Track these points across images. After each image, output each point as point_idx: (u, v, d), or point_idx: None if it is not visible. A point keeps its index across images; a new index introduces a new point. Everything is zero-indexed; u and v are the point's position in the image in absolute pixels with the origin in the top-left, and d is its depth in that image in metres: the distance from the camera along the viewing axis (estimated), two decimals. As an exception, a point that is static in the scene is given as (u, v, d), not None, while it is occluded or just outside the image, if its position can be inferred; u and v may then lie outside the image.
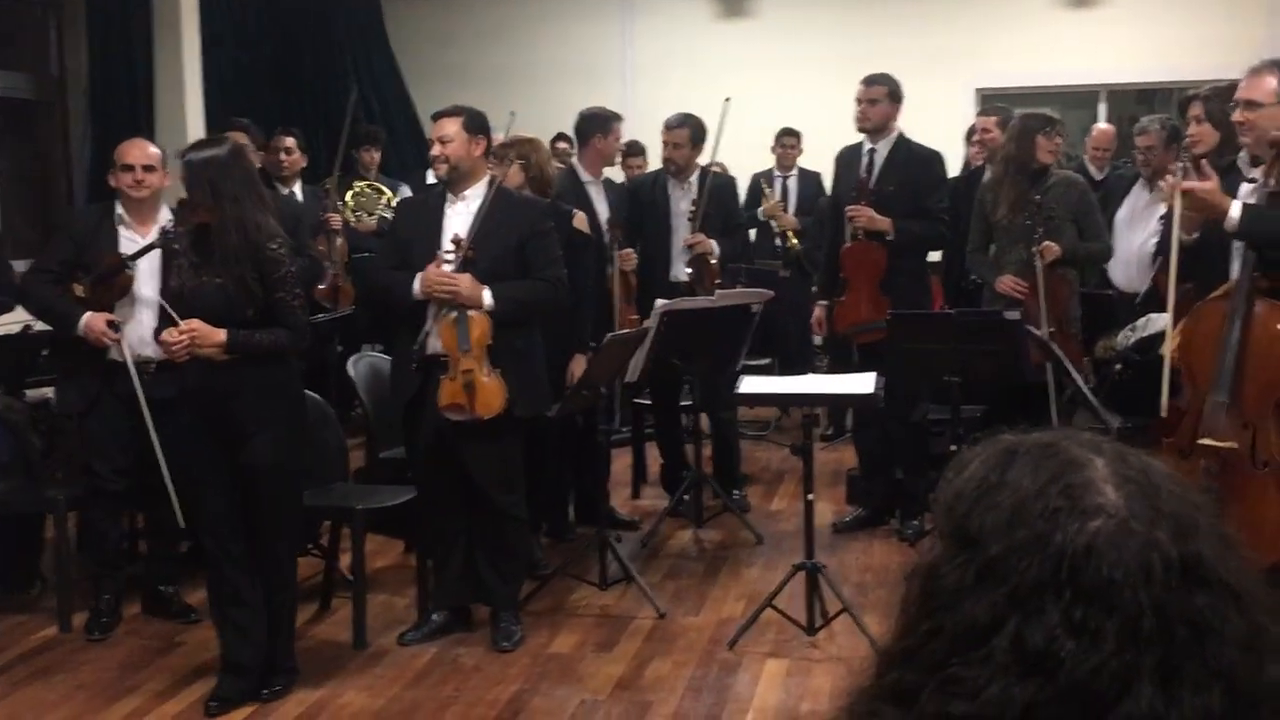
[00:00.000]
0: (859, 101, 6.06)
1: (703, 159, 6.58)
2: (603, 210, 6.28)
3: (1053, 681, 0.99)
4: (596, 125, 6.34)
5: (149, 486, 4.94)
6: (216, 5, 8.36)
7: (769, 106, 9.17)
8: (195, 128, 7.52)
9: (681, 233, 6.46)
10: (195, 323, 4.09)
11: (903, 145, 6.09)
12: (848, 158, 6.21)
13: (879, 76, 6.09)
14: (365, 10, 10.34)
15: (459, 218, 4.81)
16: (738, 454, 6.85)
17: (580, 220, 5.79)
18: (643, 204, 6.56)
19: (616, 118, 6.45)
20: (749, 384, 5.07)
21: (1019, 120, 6.08)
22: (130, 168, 5.02)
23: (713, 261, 6.40)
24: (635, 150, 9.10)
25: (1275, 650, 1.03)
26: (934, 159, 6.16)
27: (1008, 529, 1.05)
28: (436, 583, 4.96)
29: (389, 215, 7.01)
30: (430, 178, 6.58)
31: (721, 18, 10.64)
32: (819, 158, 8.62)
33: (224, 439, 4.19)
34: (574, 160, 6.48)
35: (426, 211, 4.91)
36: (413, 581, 5.19)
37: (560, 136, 8.44)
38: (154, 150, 5.15)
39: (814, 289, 8.15)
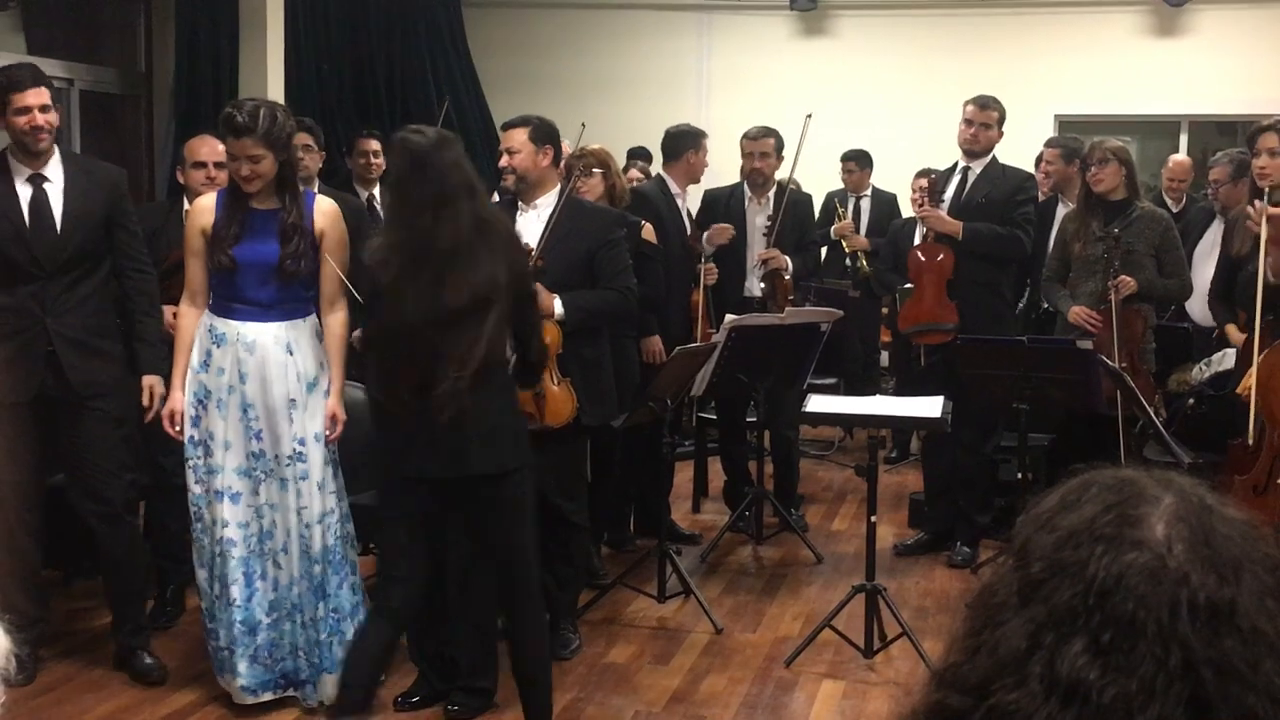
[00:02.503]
0: (970, 123, 6.00)
1: (780, 173, 6.59)
2: (689, 225, 6.36)
3: (1087, 708, 1.00)
4: (689, 141, 6.41)
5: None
6: (300, 8, 8.47)
7: (844, 126, 9.14)
8: (275, 128, 7.63)
9: (757, 248, 6.47)
10: None
11: (996, 165, 6.08)
12: (944, 180, 6.15)
13: (991, 100, 6.03)
14: (447, 18, 10.43)
15: (529, 227, 4.82)
16: (797, 473, 6.83)
17: (649, 231, 5.81)
18: (718, 218, 6.57)
19: (704, 134, 6.52)
20: (816, 403, 5.05)
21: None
22: (203, 164, 5.09)
23: (786, 277, 6.41)
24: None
25: None
26: (1027, 179, 6.19)
27: (1055, 550, 1.08)
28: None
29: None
30: None
31: (800, 35, 10.63)
32: (894, 178, 8.60)
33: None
34: (663, 173, 6.52)
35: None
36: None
37: (637, 152, 8.46)
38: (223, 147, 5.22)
39: (884, 310, 8.15)
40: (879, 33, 10.43)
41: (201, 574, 4.26)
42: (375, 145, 6.86)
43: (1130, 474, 1.13)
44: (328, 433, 4.20)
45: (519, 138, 4.77)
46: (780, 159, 6.56)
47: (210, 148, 5.14)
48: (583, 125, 5.47)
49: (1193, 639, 1.00)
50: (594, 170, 5.52)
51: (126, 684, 4.49)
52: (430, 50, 10.11)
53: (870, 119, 9.58)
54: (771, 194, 6.54)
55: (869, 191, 8.89)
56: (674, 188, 6.39)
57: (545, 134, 4.82)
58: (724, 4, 10.65)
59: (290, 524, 4.18)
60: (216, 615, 4.24)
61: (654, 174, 7.52)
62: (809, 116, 6.53)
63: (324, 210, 4.29)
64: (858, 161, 8.86)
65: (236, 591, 4.18)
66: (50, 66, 7.18)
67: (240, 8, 7.78)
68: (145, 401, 4.38)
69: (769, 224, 6.44)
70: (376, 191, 6.90)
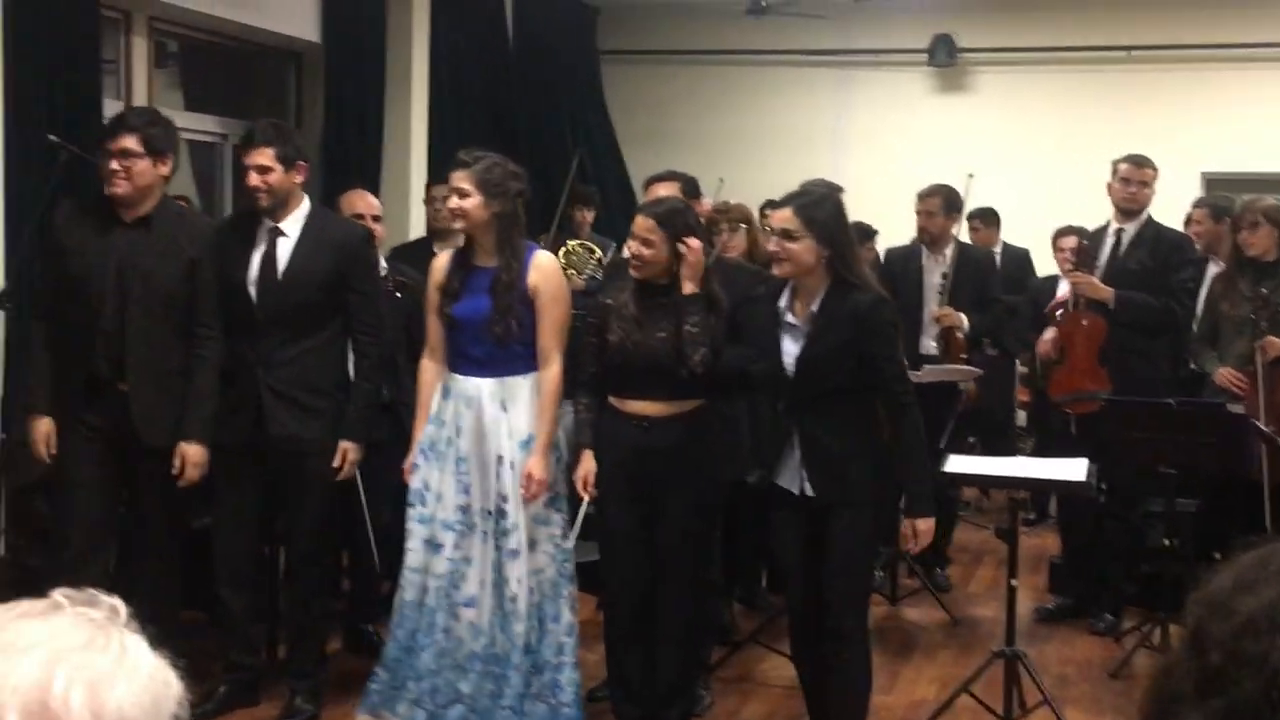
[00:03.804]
0: (1127, 181, 5.86)
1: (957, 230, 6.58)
2: None
3: None
4: None
5: (359, 524, 5.09)
6: (445, 66, 8.66)
7: (982, 181, 9.03)
8: (418, 182, 7.81)
9: (931, 305, 6.43)
10: None
11: (1151, 226, 5.94)
12: (1096, 243, 6.01)
13: (1146, 159, 5.91)
14: (586, 72, 10.58)
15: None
16: (952, 532, 6.73)
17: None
18: (895, 275, 6.55)
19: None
20: (955, 463, 4.97)
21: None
22: (360, 216, 5.26)
23: (959, 335, 6.36)
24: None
25: None
26: (1185, 241, 6.05)
27: (1234, 640, 1.02)
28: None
29: (598, 274, 7.11)
30: None
31: (937, 91, 10.56)
32: (1032, 234, 8.46)
33: (641, 498, 4.28)
34: None
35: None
36: (604, 638, 5.21)
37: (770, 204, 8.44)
38: (377, 201, 5.48)
39: (1020, 369, 8.00)
40: (1018, 88, 10.30)
41: (394, 619, 4.33)
42: None
43: None
44: (522, 491, 4.19)
45: (667, 192, 4.85)
46: (950, 217, 6.53)
47: (366, 201, 5.37)
48: (720, 180, 5.51)
49: None
50: (740, 225, 5.54)
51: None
52: (569, 107, 10.25)
53: (1009, 175, 9.44)
54: (949, 251, 6.51)
55: (999, 248, 8.76)
56: None
57: (692, 190, 4.93)
58: (863, 60, 10.63)
59: (486, 578, 4.21)
60: (400, 658, 4.30)
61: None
62: (971, 176, 6.50)
63: (540, 265, 4.31)
64: (983, 219, 8.74)
65: (418, 638, 4.27)
66: (205, 122, 7.45)
67: (387, 66, 7.99)
68: (335, 463, 4.47)
69: (943, 280, 6.40)
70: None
